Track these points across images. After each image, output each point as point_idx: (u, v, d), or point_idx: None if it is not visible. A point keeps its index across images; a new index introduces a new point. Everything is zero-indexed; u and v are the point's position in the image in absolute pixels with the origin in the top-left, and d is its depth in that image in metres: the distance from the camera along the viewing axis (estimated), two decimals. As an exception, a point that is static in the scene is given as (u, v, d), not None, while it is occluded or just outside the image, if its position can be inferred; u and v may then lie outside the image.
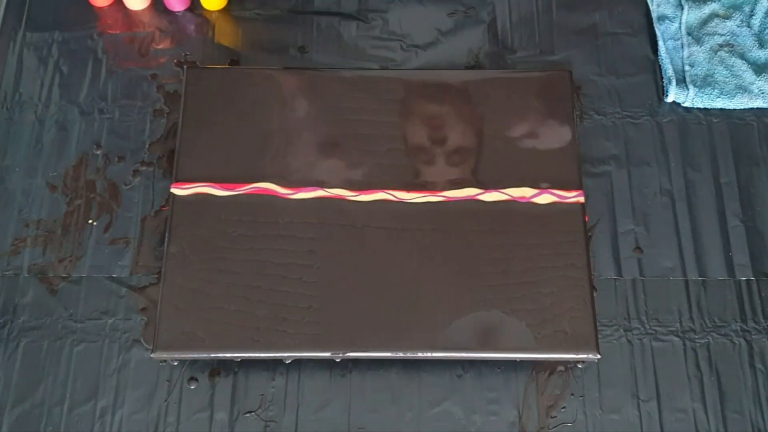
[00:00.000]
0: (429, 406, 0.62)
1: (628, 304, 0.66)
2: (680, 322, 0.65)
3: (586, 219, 0.65)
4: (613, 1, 0.78)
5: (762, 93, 0.73)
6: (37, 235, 0.67)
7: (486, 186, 0.65)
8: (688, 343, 0.64)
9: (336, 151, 0.67)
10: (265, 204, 0.65)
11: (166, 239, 0.63)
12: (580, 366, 0.63)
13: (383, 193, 0.65)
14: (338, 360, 0.62)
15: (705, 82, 0.74)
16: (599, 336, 0.61)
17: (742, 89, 0.73)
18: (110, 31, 0.77)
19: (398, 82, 0.70)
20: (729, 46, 0.76)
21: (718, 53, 0.75)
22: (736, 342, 0.65)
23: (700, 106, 0.73)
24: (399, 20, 0.77)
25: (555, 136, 0.68)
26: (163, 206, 0.68)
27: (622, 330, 0.65)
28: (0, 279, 0.66)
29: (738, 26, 0.77)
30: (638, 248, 0.68)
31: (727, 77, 0.74)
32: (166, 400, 0.62)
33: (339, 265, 0.63)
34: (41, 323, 0.64)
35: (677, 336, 0.65)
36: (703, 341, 0.65)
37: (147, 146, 0.71)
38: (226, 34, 0.76)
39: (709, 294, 0.66)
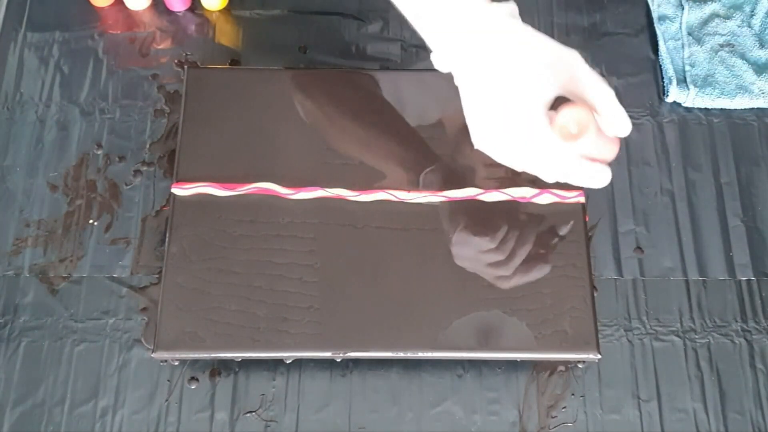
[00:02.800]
0: (429, 406, 0.62)
1: (629, 304, 0.66)
2: (681, 322, 0.65)
3: (587, 219, 0.65)
4: (613, 1, 0.78)
5: (763, 93, 0.73)
6: (38, 235, 0.67)
7: (486, 186, 0.65)
8: (688, 343, 0.64)
9: (336, 151, 0.67)
10: (265, 204, 0.65)
11: (167, 239, 0.63)
12: (580, 366, 0.63)
13: (384, 193, 0.65)
14: (339, 360, 0.62)
15: (705, 82, 0.74)
16: (600, 336, 0.61)
17: (743, 89, 0.73)
18: (111, 31, 0.77)
19: (399, 82, 0.70)
20: (730, 46, 0.76)
21: (719, 53, 0.75)
22: (737, 342, 0.65)
23: (701, 106, 0.73)
24: (399, 20, 0.77)
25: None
26: (164, 206, 0.68)
27: (622, 330, 0.65)
28: (1, 279, 0.66)
29: (739, 26, 0.77)
30: (639, 248, 0.68)
31: (728, 77, 0.74)
32: (166, 400, 0.62)
33: (339, 265, 0.63)
34: (42, 323, 0.64)
35: (678, 336, 0.65)
36: (703, 341, 0.65)
37: (148, 146, 0.71)
38: (226, 34, 0.76)
39: (710, 294, 0.66)
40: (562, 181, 0.56)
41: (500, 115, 0.53)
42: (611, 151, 0.55)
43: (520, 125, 0.53)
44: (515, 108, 0.53)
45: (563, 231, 0.64)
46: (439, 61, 0.57)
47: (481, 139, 0.55)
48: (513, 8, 0.55)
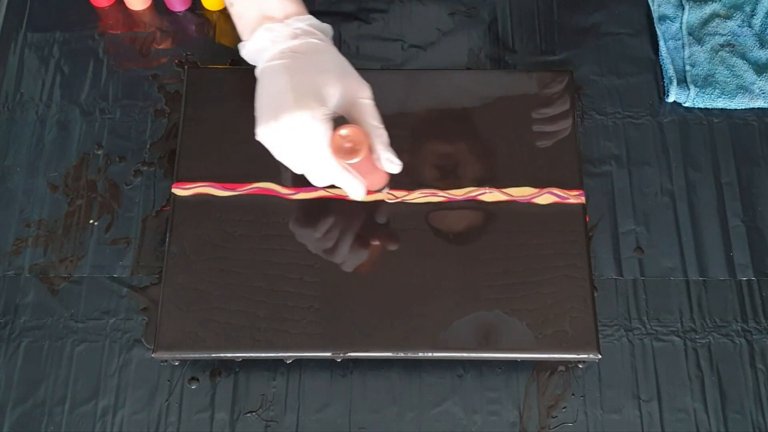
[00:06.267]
0: (430, 407, 0.62)
1: (629, 304, 0.66)
2: (681, 322, 0.65)
3: (587, 219, 0.65)
4: (614, 1, 0.78)
5: (763, 93, 0.73)
6: (38, 235, 0.67)
7: (487, 186, 0.65)
8: (689, 343, 0.64)
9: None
10: (265, 204, 0.65)
11: (167, 239, 0.63)
12: (580, 366, 0.63)
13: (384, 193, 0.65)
14: (339, 360, 0.62)
15: (706, 82, 0.74)
16: (600, 336, 0.61)
17: (743, 89, 0.73)
18: (111, 32, 0.77)
19: (398, 82, 0.70)
20: (730, 46, 0.76)
21: (719, 53, 0.75)
22: (737, 342, 0.65)
23: (701, 106, 0.73)
24: (399, 20, 0.77)
25: (556, 136, 0.68)
26: (164, 206, 0.68)
27: (622, 330, 0.65)
28: (1, 279, 0.66)
29: (739, 26, 0.77)
30: (639, 248, 0.68)
31: (728, 77, 0.74)
32: (167, 400, 0.62)
33: (340, 265, 0.63)
34: (42, 323, 0.64)
35: (678, 336, 0.65)
36: (704, 341, 0.65)
37: (148, 146, 0.71)
38: (227, 34, 0.76)
39: (710, 294, 0.66)
40: (326, 185, 0.59)
41: (286, 114, 0.55)
42: (378, 181, 0.61)
43: (301, 128, 0.55)
44: (300, 110, 0.55)
45: (563, 231, 0.64)
46: (246, 52, 0.59)
47: (264, 133, 0.57)
48: (327, 28, 0.59)
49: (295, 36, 0.57)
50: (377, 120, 0.58)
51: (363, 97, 0.58)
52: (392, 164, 0.59)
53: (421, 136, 0.68)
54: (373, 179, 0.60)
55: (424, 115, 0.68)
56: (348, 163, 0.56)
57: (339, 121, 0.57)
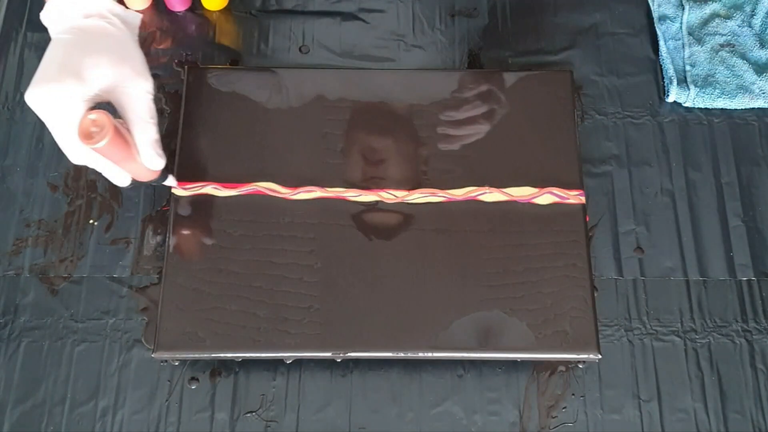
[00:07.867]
0: (430, 406, 0.62)
1: (629, 304, 0.66)
2: (681, 322, 0.65)
3: (587, 219, 0.65)
4: (613, 1, 0.78)
5: (763, 93, 0.73)
6: (38, 235, 0.67)
7: (487, 186, 0.65)
8: (689, 343, 0.64)
9: (336, 151, 0.67)
10: (265, 204, 0.65)
11: (167, 239, 0.63)
12: (581, 366, 0.63)
13: (384, 193, 0.65)
14: (339, 360, 0.62)
15: (706, 82, 0.74)
16: (600, 336, 0.61)
17: (743, 89, 0.73)
18: (111, 32, 0.76)
19: (398, 82, 0.70)
20: (730, 46, 0.76)
21: (719, 53, 0.75)
22: (737, 342, 0.65)
23: (701, 106, 0.73)
24: (399, 20, 0.77)
25: (556, 136, 0.68)
26: (164, 206, 0.68)
27: (623, 330, 0.65)
28: (1, 279, 0.66)
29: (739, 26, 0.77)
30: (639, 248, 0.68)
31: (728, 77, 0.74)
32: (167, 400, 0.62)
33: (339, 265, 0.63)
34: (42, 323, 0.64)
35: (678, 336, 0.65)
36: (704, 341, 0.65)
37: (148, 146, 0.71)
38: (226, 34, 0.76)
39: (710, 294, 0.66)
40: (80, 164, 0.58)
41: (42, 85, 0.54)
42: (143, 173, 0.59)
43: (54, 102, 0.54)
44: (55, 83, 0.53)
45: (563, 231, 0.64)
46: (45, 22, 0.58)
47: (27, 98, 0.55)
48: (131, 16, 0.58)
49: (87, 16, 0.56)
50: (148, 114, 0.56)
51: (138, 88, 0.56)
52: (152, 160, 0.57)
53: (421, 136, 0.68)
54: (137, 169, 0.59)
55: (423, 115, 0.68)
56: (93, 148, 0.54)
57: (106, 107, 0.56)
